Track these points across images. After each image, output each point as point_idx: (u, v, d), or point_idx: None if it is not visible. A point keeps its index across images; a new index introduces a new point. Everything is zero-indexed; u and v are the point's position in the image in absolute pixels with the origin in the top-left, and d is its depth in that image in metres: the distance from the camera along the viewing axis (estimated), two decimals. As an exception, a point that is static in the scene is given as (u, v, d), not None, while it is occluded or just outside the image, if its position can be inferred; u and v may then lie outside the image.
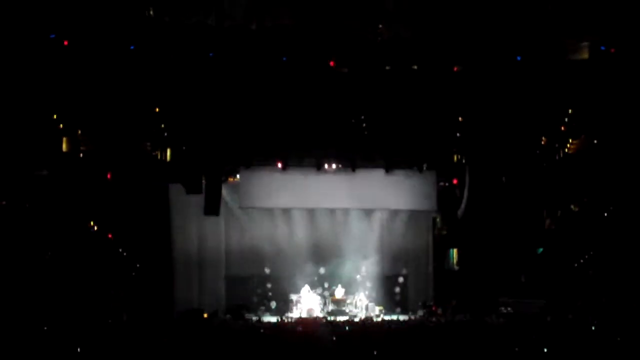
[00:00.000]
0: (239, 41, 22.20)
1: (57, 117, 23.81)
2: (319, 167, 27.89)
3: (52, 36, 21.11)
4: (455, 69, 23.39)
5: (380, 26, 22.62)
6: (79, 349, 14.91)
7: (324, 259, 29.51)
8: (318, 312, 27.37)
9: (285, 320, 24.68)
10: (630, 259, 24.58)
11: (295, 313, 27.35)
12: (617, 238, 25.37)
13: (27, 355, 14.44)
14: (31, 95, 22.37)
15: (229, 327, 22.67)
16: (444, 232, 30.42)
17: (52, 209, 24.13)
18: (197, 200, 27.44)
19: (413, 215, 30.18)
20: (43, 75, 21.97)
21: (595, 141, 25.63)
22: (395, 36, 22.62)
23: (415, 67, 23.15)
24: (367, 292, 28.80)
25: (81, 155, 25.12)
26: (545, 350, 14.74)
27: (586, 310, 23.82)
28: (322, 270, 29.32)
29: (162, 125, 25.65)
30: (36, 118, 23.12)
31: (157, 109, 24.81)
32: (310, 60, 22.69)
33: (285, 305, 28.30)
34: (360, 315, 27.19)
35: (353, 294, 28.56)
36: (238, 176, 28.21)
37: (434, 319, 24.99)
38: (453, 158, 28.24)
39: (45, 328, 18.88)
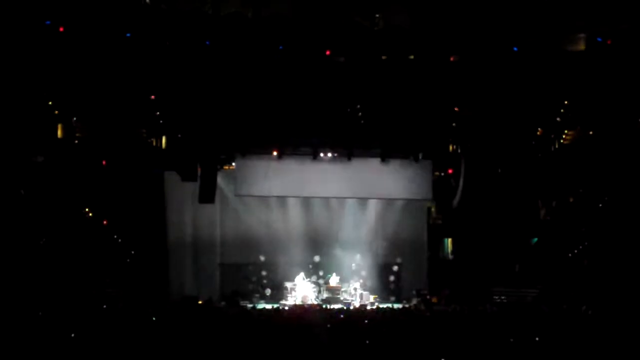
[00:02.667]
0: (235, 29, 22.17)
1: (52, 103, 23.80)
2: (314, 156, 27.88)
3: (48, 23, 21.06)
4: (451, 59, 23.41)
5: (377, 15, 22.61)
6: (73, 335, 14.92)
7: (318, 247, 29.57)
8: (312, 300, 27.43)
9: (280, 308, 24.73)
10: (624, 249, 24.64)
11: (290, 300, 27.41)
12: (612, 229, 25.43)
13: (22, 340, 14.45)
14: (27, 82, 22.36)
15: (223, 314, 22.68)
16: (439, 222, 30.45)
17: (47, 195, 24.12)
18: (193, 188, 27.46)
19: (408, 204, 30.22)
20: (39, 62, 21.95)
21: (591, 132, 25.68)
22: (392, 26, 22.60)
23: (412, 56, 23.15)
24: (361, 281, 28.83)
25: (76, 142, 25.13)
26: (538, 339, 14.79)
27: (580, 300, 23.88)
28: (317, 258, 29.38)
29: (158, 113, 25.65)
30: (32, 105, 23.11)
31: (153, 97, 24.80)
32: (307, 49, 22.68)
33: (279, 292, 28.35)
34: (355, 303, 27.25)
35: (348, 282, 28.61)
36: (233, 164, 28.20)
37: (428, 308, 25.03)
38: (449, 148, 28.28)
39: (40, 313, 18.88)
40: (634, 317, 18.74)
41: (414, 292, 29.21)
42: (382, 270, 29.97)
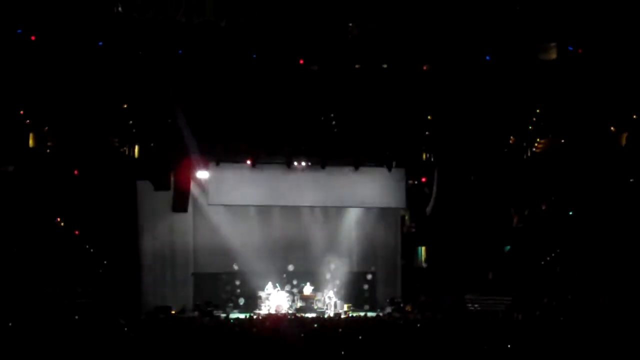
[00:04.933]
0: (208, 38, 22.11)
1: (23, 112, 23.60)
2: (288, 165, 27.87)
3: (19, 31, 20.90)
4: (424, 67, 23.47)
5: (350, 24, 22.63)
6: (44, 345, 14.80)
7: (292, 256, 29.60)
8: (286, 309, 27.38)
9: (254, 317, 24.65)
10: (596, 256, 24.83)
11: (264, 310, 27.36)
12: (584, 236, 25.62)
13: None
14: (-3, 91, 22.19)
15: (197, 323, 22.60)
16: (413, 230, 30.56)
17: (18, 205, 23.91)
18: (166, 197, 27.34)
19: (382, 212, 30.33)
20: (10, 71, 21.76)
21: (563, 140, 25.86)
22: (365, 34, 22.63)
23: (385, 65, 23.20)
24: (335, 289, 28.90)
25: (48, 151, 24.91)
26: (510, 346, 14.85)
27: (553, 308, 24.02)
28: (290, 267, 29.41)
29: (130, 122, 25.51)
30: (2, 113, 22.90)
31: (125, 105, 24.67)
32: (280, 57, 22.66)
33: (253, 302, 28.32)
34: (329, 312, 27.24)
35: (321, 291, 28.65)
36: (207, 173, 28.08)
37: (401, 316, 25.07)
38: (422, 156, 28.36)
39: (10, 324, 18.70)
40: (606, 323, 18.88)
41: (387, 300, 29.27)
42: (356, 278, 30.04)
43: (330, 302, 27.99)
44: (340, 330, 18.65)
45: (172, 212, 27.66)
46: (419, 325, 20.93)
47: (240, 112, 24.63)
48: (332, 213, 30.24)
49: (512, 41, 22.29)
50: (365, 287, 30.19)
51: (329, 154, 27.80)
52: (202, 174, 28.01)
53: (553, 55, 22.40)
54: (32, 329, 18.08)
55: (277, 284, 28.25)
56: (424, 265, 30.05)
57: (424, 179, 29.23)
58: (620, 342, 15.12)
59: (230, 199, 28.50)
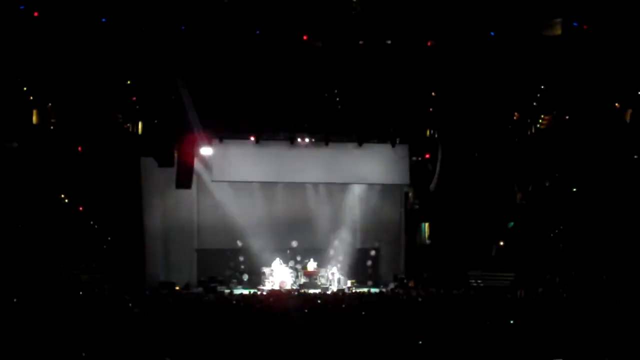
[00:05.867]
0: (211, 14, 22.04)
1: (27, 89, 23.58)
2: (292, 141, 27.85)
3: (22, 7, 20.85)
4: (429, 43, 23.40)
5: (355, 0, 22.54)
6: (49, 321, 14.85)
7: (296, 232, 29.58)
8: (290, 285, 27.43)
9: (257, 293, 24.72)
10: (599, 233, 24.81)
11: (267, 286, 27.40)
12: (588, 213, 25.59)
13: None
14: (1, 67, 22.13)
15: (200, 299, 22.65)
16: (416, 206, 30.50)
17: (22, 181, 23.93)
18: (169, 174, 27.33)
19: (385, 189, 30.31)
20: (13, 47, 21.72)
21: (567, 117, 25.79)
22: (369, 10, 22.54)
23: (389, 41, 23.12)
24: (339, 266, 28.90)
25: (52, 127, 24.92)
26: (513, 323, 14.87)
27: (556, 284, 24.04)
28: (294, 244, 29.41)
29: (134, 98, 25.48)
30: (6, 90, 22.88)
31: (129, 82, 24.64)
32: (284, 33, 22.60)
33: (257, 278, 28.35)
34: (332, 288, 27.29)
35: (325, 267, 28.65)
36: (211, 149, 28.05)
37: (405, 292, 25.11)
38: (426, 132, 28.33)
39: (15, 300, 18.76)
40: (608, 300, 18.90)
41: (391, 276, 29.31)
42: (360, 255, 30.06)
43: (334, 278, 28.03)
44: (343, 306, 18.68)
45: (175, 188, 27.61)
46: (421, 301, 20.97)
47: (243, 89, 24.59)
48: (335, 189, 30.24)
49: (516, 17, 22.20)
50: (369, 263, 30.22)
51: (333, 130, 27.78)
52: (205, 151, 28.00)
53: (558, 31, 22.32)
54: (36, 305, 18.13)
55: (280, 260, 28.28)
56: (428, 241, 30.03)
57: (427, 156, 29.16)
58: (623, 319, 15.14)
59: (233, 176, 28.52)
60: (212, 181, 28.76)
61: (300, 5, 22.33)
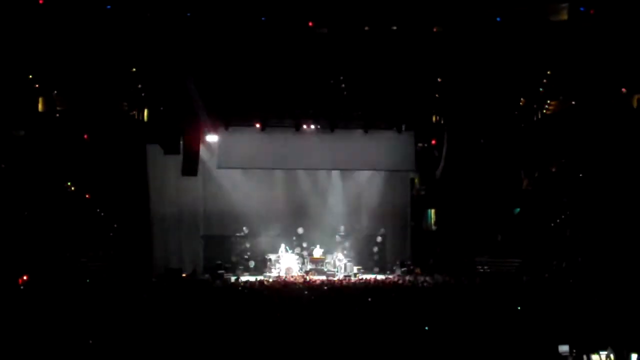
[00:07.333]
0: (216, 0, 22.00)
1: (33, 77, 23.58)
2: (297, 128, 27.87)
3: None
4: (434, 29, 23.33)
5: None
6: (57, 308, 14.91)
7: (302, 218, 29.59)
8: (296, 272, 27.46)
9: (264, 280, 24.76)
10: (606, 219, 24.77)
11: (274, 272, 27.42)
12: (594, 199, 25.54)
13: (3, 314, 14.42)
14: (7, 55, 22.12)
15: (207, 286, 22.71)
16: (422, 192, 30.47)
17: (29, 169, 23.95)
18: (175, 161, 27.34)
19: (391, 175, 30.28)
20: (18, 35, 21.70)
21: (573, 102, 25.72)
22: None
23: (395, 27, 23.06)
24: (345, 252, 28.88)
25: (57, 115, 24.93)
26: (520, 308, 14.90)
27: (562, 270, 24.03)
28: (300, 230, 29.42)
29: (139, 85, 25.47)
30: (12, 78, 22.88)
31: (134, 69, 24.62)
32: (290, 20, 22.55)
33: (263, 264, 28.38)
34: (339, 274, 27.31)
35: (331, 253, 28.64)
36: (216, 136, 28.05)
37: (411, 279, 25.13)
38: (432, 119, 28.30)
39: (22, 287, 18.84)
40: (614, 286, 18.90)
41: (397, 262, 29.32)
42: (366, 241, 30.06)
43: (340, 264, 28.01)
44: (349, 292, 18.73)
45: (181, 175, 27.62)
46: (427, 287, 21.00)
47: (249, 76, 24.57)
48: (341, 176, 30.22)
49: (523, 2, 22.12)
50: (375, 249, 30.20)
51: (339, 116, 27.77)
52: (211, 138, 28.02)
53: (564, 16, 22.24)
54: (43, 293, 18.19)
55: (287, 247, 28.31)
56: (434, 227, 30.02)
57: (433, 142, 29.11)
58: (629, 305, 15.15)
59: (239, 163, 28.56)
60: (218, 168, 28.76)
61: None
